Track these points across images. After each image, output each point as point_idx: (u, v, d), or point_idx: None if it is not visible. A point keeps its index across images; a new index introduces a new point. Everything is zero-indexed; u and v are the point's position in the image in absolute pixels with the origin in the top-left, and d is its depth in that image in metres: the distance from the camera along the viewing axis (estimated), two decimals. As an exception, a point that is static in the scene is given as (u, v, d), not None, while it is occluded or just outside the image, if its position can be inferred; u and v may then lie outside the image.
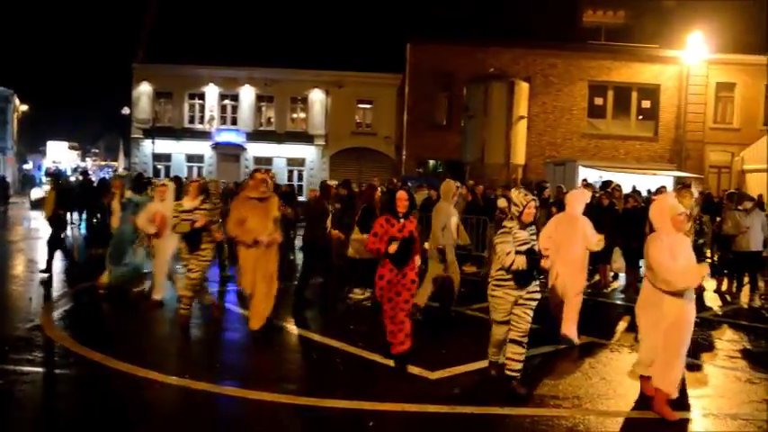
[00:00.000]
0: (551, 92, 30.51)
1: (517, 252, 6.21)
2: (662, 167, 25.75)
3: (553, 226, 8.50)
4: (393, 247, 6.93)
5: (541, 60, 30.43)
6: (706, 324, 10.02)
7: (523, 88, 22.40)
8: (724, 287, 12.66)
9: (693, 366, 7.91)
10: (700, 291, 12.17)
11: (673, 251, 5.82)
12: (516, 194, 6.47)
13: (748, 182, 24.68)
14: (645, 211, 12.98)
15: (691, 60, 29.48)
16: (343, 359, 7.52)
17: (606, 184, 15.26)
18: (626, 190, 16.27)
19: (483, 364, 7.27)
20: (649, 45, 30.35)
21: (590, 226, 8.51)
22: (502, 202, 14.75)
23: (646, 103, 31.18)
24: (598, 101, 31.13)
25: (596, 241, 8.36)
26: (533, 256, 6.33)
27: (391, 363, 7.16)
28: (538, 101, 29.52)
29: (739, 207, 12.22)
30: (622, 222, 12.29)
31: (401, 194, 7.17)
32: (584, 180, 18.51)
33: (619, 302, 11.87)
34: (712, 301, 12.09)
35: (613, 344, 8.60)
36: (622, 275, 13.31)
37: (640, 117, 31.29)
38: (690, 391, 6.96)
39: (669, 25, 29.92)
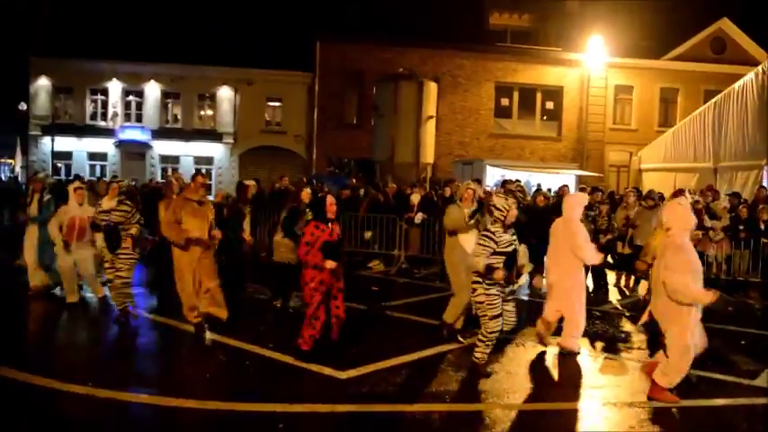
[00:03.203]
0: (459, 92, 31.04)
1: (501, 254, 6.88)
2: (565, 166, 26.60)
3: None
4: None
5: (449, 61, 30.91)
6: (606, 317, 10.45)
7: (432, 88, 22.67)
8: (622, 282, 13.24)
9: (594, 357, 8.24)
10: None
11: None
12: (499, 200, 7.12)
13: (645, 180, 25.80)
14: (548, 209, 13.41)
15: (591, 64, 30.66)
16: (253, 361, 7.43)
17: (504, 183, 15.59)
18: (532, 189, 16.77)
19: (392, 362, 7.37)
20: (552, 48, 31.35)
21: (584, 234, 8.25)
22: (416, 198, 15.01)
23: (549, 105, 32.15)
24: (504, 101, 31.87)
25: (592, 254, 8.19)
26: (515, 256, 7.10)
27: (303, 364, 7.15)
28: (446, 101, 29.98)
29: (642, 203, 12.80)
30: (531, 220, 12.59)
31: (331, 200, 7.49)
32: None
33: (524, 298, 12.18)
34: (612, 294, 12.59)
35: (518, 339, 8.81)
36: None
37: (544, 117, 32.25)
38: (589, 381, 7.25)
39: (571, 29, 30.98)
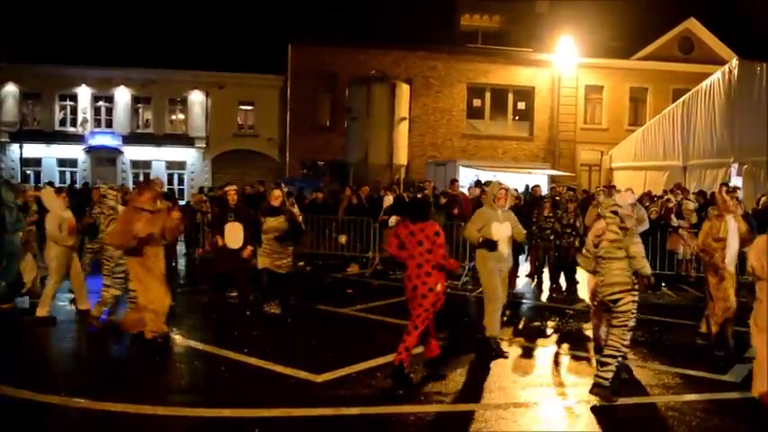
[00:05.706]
0: (432, 93, 31.11)
1: None
2: (537, 166, 26.79)
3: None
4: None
5: (421, 63, 30.98)
6: (581, 316, 10.51)
7: (404, 90, 22.72)
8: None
9: (565, 356, 8.30)
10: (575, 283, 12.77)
11: None
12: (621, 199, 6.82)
13: (616, 178, 26.06)
14: (524, 207, 13.53)
15: (561, 64, 30.92)
16: (228, 367, 7.37)
17: (479, 183, 15.73)
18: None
19: (368, 364, 7.34)
20: (523, 49, 31.55)
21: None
22: (388, 200, 15.04)
23: (521, 105, 32.32)
24: (476, 102, 31.99)
25: None
26: None
27: (278, 368, 7.10)
28: (419, 102, 30.05)
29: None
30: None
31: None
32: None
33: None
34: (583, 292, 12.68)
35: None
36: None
37: (516, 118, 32.43)
38: (567, 380, 7.30)
39: (542, 30, 31.22)
